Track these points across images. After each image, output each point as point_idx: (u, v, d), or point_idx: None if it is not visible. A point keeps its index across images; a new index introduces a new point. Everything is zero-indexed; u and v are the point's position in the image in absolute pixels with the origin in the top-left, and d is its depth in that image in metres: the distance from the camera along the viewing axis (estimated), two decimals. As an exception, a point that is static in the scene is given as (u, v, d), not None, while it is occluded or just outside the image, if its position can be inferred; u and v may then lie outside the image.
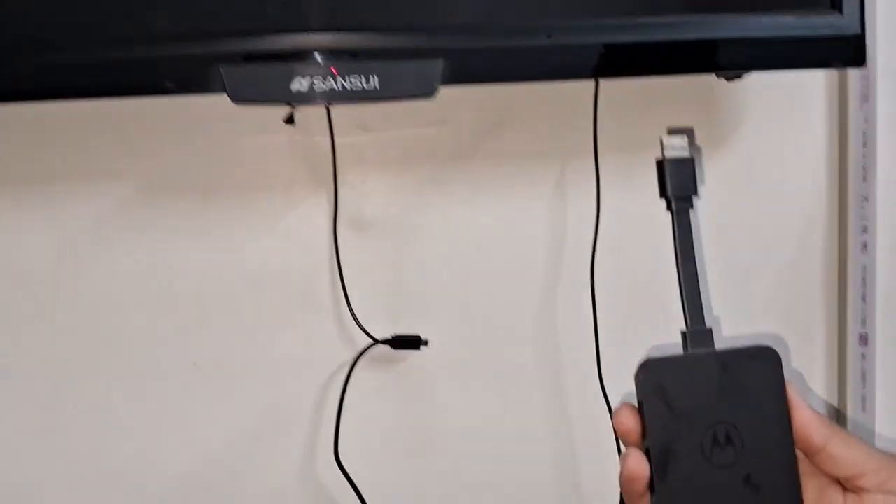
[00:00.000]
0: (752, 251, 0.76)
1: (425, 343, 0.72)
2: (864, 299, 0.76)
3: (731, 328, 0.76)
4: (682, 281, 0.44)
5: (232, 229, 0.71)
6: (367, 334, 0.71)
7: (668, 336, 0.73)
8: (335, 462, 0.71)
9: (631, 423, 0.43)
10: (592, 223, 0.71)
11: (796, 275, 0.77)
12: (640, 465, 0.42)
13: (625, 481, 0.42)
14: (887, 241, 0.76)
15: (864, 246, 0.76)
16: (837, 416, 0.78)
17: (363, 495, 0.71)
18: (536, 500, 0.76)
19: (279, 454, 0.73)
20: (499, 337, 0.74)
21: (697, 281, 0.44)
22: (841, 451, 0.43)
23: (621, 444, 0.44)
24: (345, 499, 0.72)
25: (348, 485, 0.71)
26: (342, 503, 0.73)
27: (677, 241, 0.45)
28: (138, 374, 0.71)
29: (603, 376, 0.72)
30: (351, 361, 0.71)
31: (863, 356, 0.77)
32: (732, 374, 0.42)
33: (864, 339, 0.77)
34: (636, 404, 0.43)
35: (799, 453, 0.44)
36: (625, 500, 0.44)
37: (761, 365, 0.43)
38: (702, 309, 0.44)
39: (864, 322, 0.77)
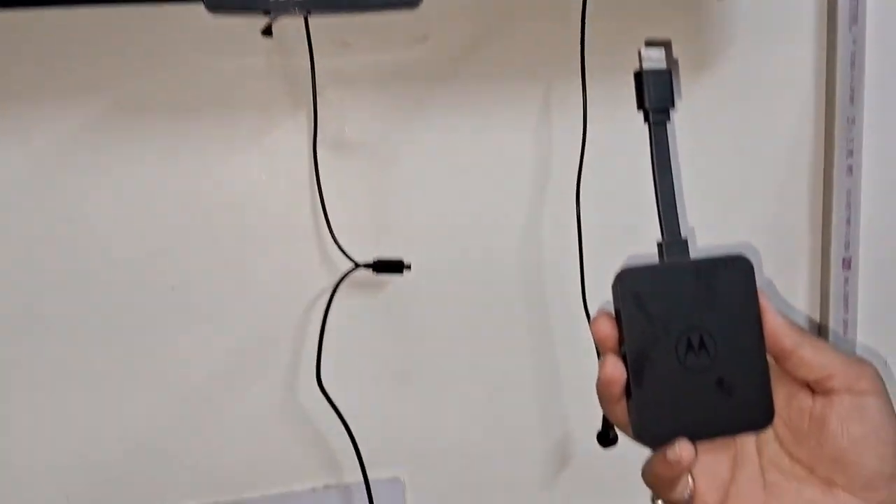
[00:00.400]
0: (737, 174, 0.75)
1: (408, 267, 0.71)
2: (848, 223, 0.76)
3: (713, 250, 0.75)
4: (658, 192, 0.45)
5: (208, 151, 0.69)
6: (349, 258, 0.70)
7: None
8: (317, 387, 0.70)
9: (608, 329, 0.43)
10: (578, 144, 0.70)
11: (781, 198, 0.76)
12: (616, 370, 0.42)
13: (602, 385, 0.43)
14: (872, 164, 0.76)
15: (850, 169, 0.76)
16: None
17: (346, 420, 0.71)
18: (521, 422, 0.76)
19: (260, 379, 0.72)
20: (484, 260, 0.73)
21: (673, 192, 0.44)
22: (811, 355, 0.44)
23: (599, 352, 0.45)
24: (327, 424, 0.71)
25: (331, 410, 0.70)
26: (324, 429, 0.73)
27: (654, 152, 0.45)
28: (113, 299, 0.70)
29: (587, 298, 0.71)
30: (332, 286, 0.70)
31: (846, 280, 0.77)
32: (706, 282, 0.43)
33: (847, 264, 0.77)
34: (613, 313, 0.44)
35: (770, 359, 0.45)
36: (602, 405, 0.45)
37: (734, 273, 0.44)
38: (677, 220, 0.45)
39: (847, 246, 0.77)
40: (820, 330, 0.78)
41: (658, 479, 0.44)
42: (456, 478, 0.76)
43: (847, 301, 0.77)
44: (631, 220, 0.73)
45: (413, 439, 0.75)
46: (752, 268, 0.44)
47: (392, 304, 0.73)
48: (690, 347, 0.43)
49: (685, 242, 0.45)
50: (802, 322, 0.78)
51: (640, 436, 0.43)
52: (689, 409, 0.43)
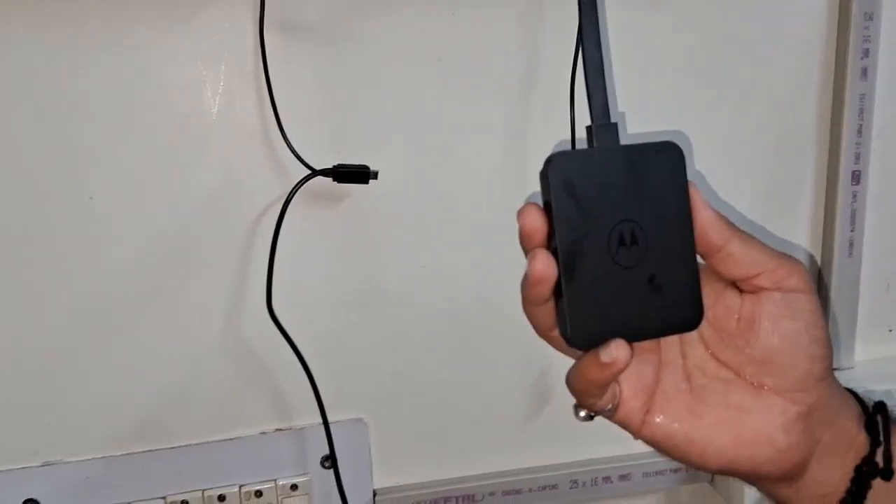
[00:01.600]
0: (746, 74, 0.67)
1: (374, 175, 0.61)
2: (859, 132, 0.69)
3: (716, 162, 0.67)
4: (587, 72, 0.41)
5: (130, 34, 0.57)
6: (304, 164, 0.59)
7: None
8: (268, 314, 0.60)
9: (537, 222, 0.39)
10: (574, 29, 0.59)
11: (789, 103, 0.68)
12: (548, 267, 0.39)
13: (530, 284, 0.39)
14: (890, 66, 0.68)
15: (864, 72, 0.68)
16: (821, 261, 0.71)
17: (300, 351, 0.61)
18: (497, 355, 0.67)
19: (201, 306, 0.62)
20: (460, 168, 0.63)
21: (602, 70, 0.41)
22: (740, 251, 0.42)
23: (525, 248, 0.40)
24: (279, 355, 0.62)
25: (283, 341, 0.60)
26: (276, 359, 0.63)
27: (583, 27, 0.41)
28: (25, 212, 0.58)
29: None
30: (285, 197, 0.59)
31: (854, 196, 0.70)
32: (637, 169, 0.41)
33: (856, 177, 0.70)
34: (542, 205, 0.40)
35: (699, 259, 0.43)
36: (525, 306, 0.41)
37: (665, 161, 0.41)
38: (607, 102, 0.41)
39: (857, 158, 0.69)
40: (823, 249, 0.71)
41: (587, 385, 0.41)
42: (425, 418, 0.67)
43: (854, 219, 0.70)
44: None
45: (377, 375, 0.66)
46: (682, 156, 0.41)
47: (355, 219, 0.63)
48: (622, 241, 0.40)
49: (615, 126, 0.41)
50: (804, 241, 0.71)
51: (572, 337, 0.40)
52: (620, 307, 0.41)
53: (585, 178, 0.39)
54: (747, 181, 0.69)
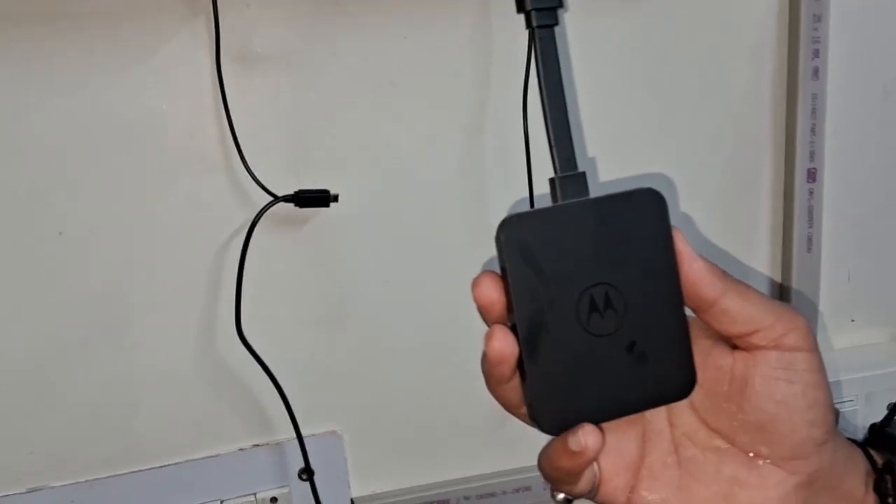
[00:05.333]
0: (696, 81, 0.68)
1: (335, 199, 0.62)
2: (813, 131, 0.70)
3: (674, 165, 0.69)
4: (548, 117, 0.37)
5: (91, 70, 0.59)
6: (266, 191, 0.61)
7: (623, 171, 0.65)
8: (238, 337, 0.62)
9: (494, 294, 0.35)
10: (524, 47, 0.61)
11: (742, 105, 0.70)
12: (506, 345, 0.35)
13: (489, 364, 0.35)
14: (840, 64, 0.70)
15: (816, 72, 0.69)
16: (781, 258, 0.73)
17: (272, 372, 0.63)
18: (467, 366, 0.69)
19: (171, 333, 0.64)
20: (419, 188, 0.65)
21: (566, 115, 0.37)
22: (735, 306, 0.37)
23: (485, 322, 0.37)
24: (253, 374, 0.64)
25: (255, 361, 0.62)
26: (251, 378, 0.65)
27: (541, 66, 0.37)
28: (-9, 250, 0.60)
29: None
30: (249, 223, 0.61)
31: (810, 193, 0.71)
32: (610, 224, 0.36)
33: (812, 175, 0.71)
34: (500, 272, 0.36)
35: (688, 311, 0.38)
36: (489, 386, 0.37)
37: (643, 211, 0.36)
38: (572, 149, 0.37)
39: (812, 156, 0.71)
40: (783, 246, 0.73)
41: (558, 472, 0.37)
42: (399, 428, 0.69)
43: (812, 215, 0.72)
44: (589, 136, 0.66)
45: (350, 388, 0.68)
46: (664, 203, 0.37)
47: (318, 242, 0.65)
48: (594, 308, 0.36)
49: (582, 176, 0.37)
50: (764, 239, 0.73)
51: (537, 422, 0.36)
52: (595, 383, 0.36)
53: (546, 240, 0.35)
54: (705, 183, 0.70)
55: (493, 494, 0.70)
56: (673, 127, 0.68)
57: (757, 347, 0.38)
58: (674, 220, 0.37)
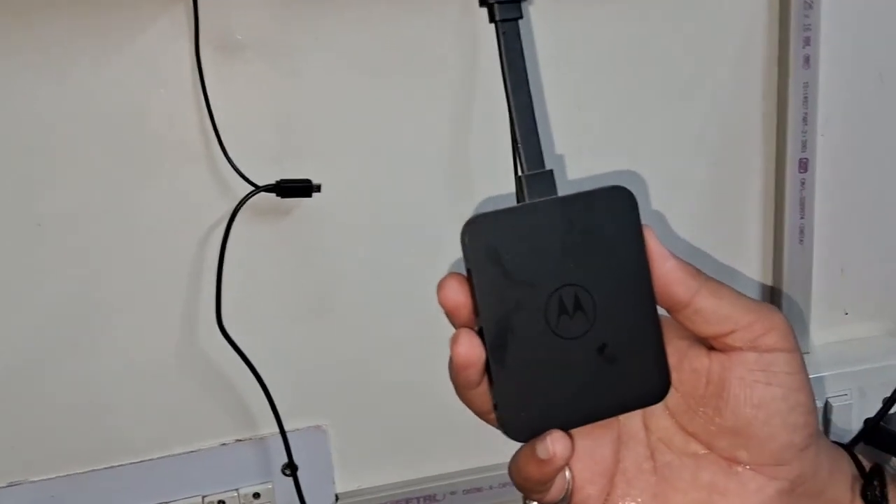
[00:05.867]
0: (684, 70, 0.67)
1: (317, 188, 0.62)
2: (805, 121, 0.69)
3: (662, 156, 0.68)
4: (514, 114, 0.36)
5: (69, 59, 0.58)
6: (247, 181, 0.60)
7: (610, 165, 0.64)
8: (218, 330, 0.61)
9: (460, 297, 0.34)
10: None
11: (734, 95, 0.68)
12: (472, 349, 0.34)
13: (456, 369, 0.35)
14: (832, 52, 0.69)
15: (807, 60, 0.68)
16: (773, 249, 0.72)
17: (254, 365, 0.62)
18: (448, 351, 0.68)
19: (152, 326, 0.63)
20: (403, 177, 0.64)
21: (532, 110, 0.36)
22: (710, 305, 0.36)
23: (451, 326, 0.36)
24: (236, 368, 0.63)
25: (236, 354, 0.62)
26: (233, 372, 0.64)
27: (505, 61, 0.36)
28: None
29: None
30: (230, 214, 0.60)
31: (802, 183, 0.70)
32: (578, 224, 0.35)
33: (803, 165, 0.70)
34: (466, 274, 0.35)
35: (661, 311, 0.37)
36: (457, 391, 0.36)
37: (612, 209, 0.36)
38: (539, 146, 0.36)
39: (804, 146, 0.70)
40: (775, 238, 0.72)
41: (528, 481, 0.36)
42: (384, 422, 0.69)
43: (804, 205, 0.70)
44: (576, 129, 0.65)
45: (335, 382, 0.67)
46: (634, 201, 0.36)
47: (300, 232, 0.64)
48: (563, 310, 0.35)
49: (550, 174, 0.36)
50: (756, 230, 0.72)
51: (504, 428, 0.35)
52: (564, 387, 0.35)
53: (512, 240, 0.35)
54: (694, 175, 0.69)
55: (479, 489, 0.69)
56: (660, 117, 0.67)
57: (733, 349, 0.36)
58: (646, 218, 0.36)
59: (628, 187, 0.36)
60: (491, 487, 0.69)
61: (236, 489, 0.65)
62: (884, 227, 0.73)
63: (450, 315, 0.35)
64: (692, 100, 0.67)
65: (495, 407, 0.35)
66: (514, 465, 0.36)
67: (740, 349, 0.36)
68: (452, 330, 0.63)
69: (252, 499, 0.66)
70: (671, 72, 0.67)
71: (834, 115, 0.70)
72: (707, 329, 0.36)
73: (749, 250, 0.72)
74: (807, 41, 0.68)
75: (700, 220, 0.70)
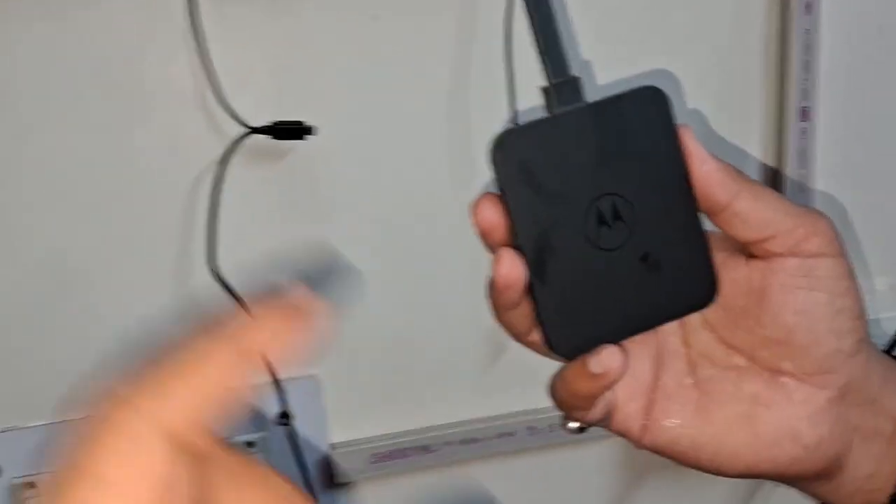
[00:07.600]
0: (681, 16, 0.66)
1: (309, 131, 0.61)
2: (806, 68, 0.68)
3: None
4: (534, 17, 0.34)
5: (63, 5, 0.57)
6: (241, 122, 0.59)
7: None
8: (212, 275, 0.60)
9: (495, 217, 0.34)
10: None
11: (731, 42, 0.68)
12: (514, 268, 0.33)
13: (498, 290, 0.34)
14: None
15: (808, 7, 0.67)
16: (774, 201, 0.71)
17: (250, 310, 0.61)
18: (450, 309, 0.67)
19: (147, 270, 0.62)
20: (404, 120, 0.63)
21: (554, 17, 0.34)
22: (750, 208, 0.34)
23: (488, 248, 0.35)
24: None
25: (230, 300, 0.61)
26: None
27: None
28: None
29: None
30: (222, 156, 0.59)
31: (803, 132, 0.69)
32: (611, 129, 0.34)
33: (805, 114, 0.69)
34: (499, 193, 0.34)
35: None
36: (496, 313, 0.36)
37: (645, 111, 0.34)
38: (563, 52, 0.34)
39: (805, 94, 0.69)
40: (775, 188, 0.71)
41: (575, 398, 0.35)
42: (380, 372, 0.68)
43: (805, 155, 0.70)
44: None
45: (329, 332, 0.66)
46: (667, 100, 0.34)
47: (296, 176, 0.63)
48: (602, 220, 0.34)
49: (578, 81, 0.34)
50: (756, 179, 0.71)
51: (552, 347, 0.34)
52: (610, 299, 0.35)
53: (544, 154, 0.33)
54: (693, 124, 0.68)
55: (475, 440, 0.68)
56: (653, 62, 0.66)
57: (774, 255, 0.35)
58: (683, 118, 0.34)
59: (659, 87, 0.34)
60: (487, 438, 0.69)
61: (230, 438, 0.65)
62: (888, 179, 0.73)
63: (484, 236, 0.34)
64: (688, 45, 0.67)
65: (541, 325, 0.34)
66: (560, 383, 0.36)
67: (781, 255, 0.35)
68: (450, 277, 0.62)
69: (247, 447, 0.65)
70: (666, 19, 0.66)
71: (836, 62, 0.69)
72: (747, 234, 0.35)
73: (749, 202, 0.71)
74: (809, -14, 0.67)
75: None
